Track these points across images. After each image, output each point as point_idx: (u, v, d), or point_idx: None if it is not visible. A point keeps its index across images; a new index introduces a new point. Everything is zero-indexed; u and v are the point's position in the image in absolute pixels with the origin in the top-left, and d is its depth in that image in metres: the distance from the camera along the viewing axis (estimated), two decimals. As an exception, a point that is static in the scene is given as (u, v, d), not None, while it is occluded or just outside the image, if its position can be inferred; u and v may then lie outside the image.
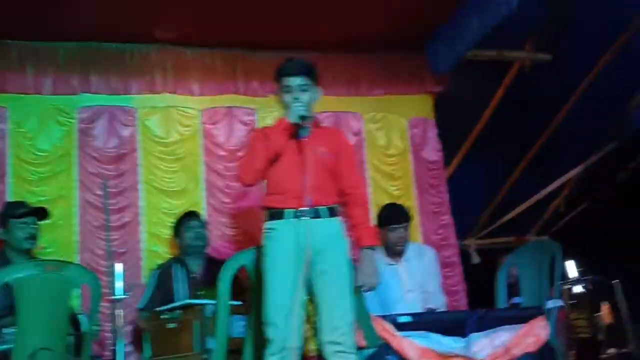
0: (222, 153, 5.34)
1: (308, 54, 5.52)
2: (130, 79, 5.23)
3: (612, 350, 6.58)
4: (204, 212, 5.15)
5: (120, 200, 5.04)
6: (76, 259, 4.80)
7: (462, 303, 5.63)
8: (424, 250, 4.85)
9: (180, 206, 5.09)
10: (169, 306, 3.99)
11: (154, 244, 5.05)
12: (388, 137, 5.85)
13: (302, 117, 3.21)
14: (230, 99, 5.47)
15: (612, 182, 7.33)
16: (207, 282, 4.27)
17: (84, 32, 5.06)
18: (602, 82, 6.45)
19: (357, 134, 5.74)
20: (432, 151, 5.93)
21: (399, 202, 5.23)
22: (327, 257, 3.16)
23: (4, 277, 3.19)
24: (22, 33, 4.97)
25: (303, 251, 3.10)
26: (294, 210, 3.17)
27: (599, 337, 6.73)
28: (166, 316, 3.94)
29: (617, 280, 6.43)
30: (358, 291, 3.36)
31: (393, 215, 4.65)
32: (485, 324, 3.64)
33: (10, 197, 4.75)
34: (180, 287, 4.52)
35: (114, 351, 3.82)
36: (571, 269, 6.78)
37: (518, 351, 3.61)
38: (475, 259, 6.94)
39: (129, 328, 4.60)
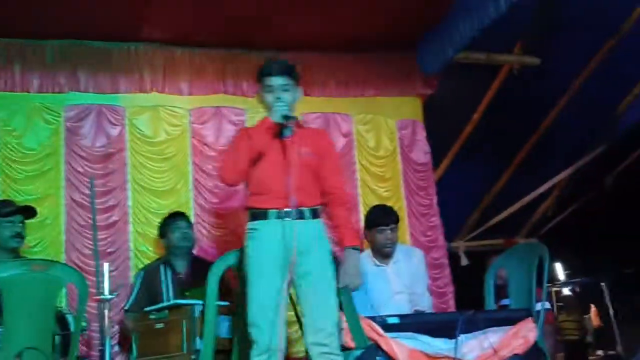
0: (211, 153, 5.32)
1: (298, 55, 5.57)
2: (118, 78, 5.20)
3: (600, 352, 6.63)
4: (192, 212, 5.14)
5: (108, 200, 5.01)
6: (63, 258, 4.77)
7: (451, 305, 5.63)
8: (412, 252, 4.85)
9: (169, 206, 5.06)
10: (157, 306, 3.97)
11: (142, 244, 5.03)
12: (377, 139, 5.85)
13: (286, 117, 3.21)
14: (219, 99, 5.45)
15: (601, 184, 7.37)
16: (193, 283, 4.25)
17: (72, 30, 5.04)
18: (590, 85, 6.50)
19: (346, 135, 5.74)
20: (421, 153, 5.93)
21: (388, 203, 5.24)
22: (310, 259, 3.16)
23: (-11, 276, 3.16)
24: (9, 30, 4.93)
25: (287, 252, 3.11)
26: (278, 210, 3.16)
27: (587, 339, 6.78)
28: (154, 316, 3.92)
29: (605, 283, 6.47)
30: (346, 291, 3.36)
31: (381, 217, 4.65)
32: (474, 326, 3.64)
33: (-4, 196, 4.71)
34: (166, 288, 4.49)
35: (101, 351, 3.79)
36: (559, 271, 6.82)
37: (506, 353, 3.61)
38: (464, 261, 6.96)
39: (115, 328, 4.57)
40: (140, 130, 5.22)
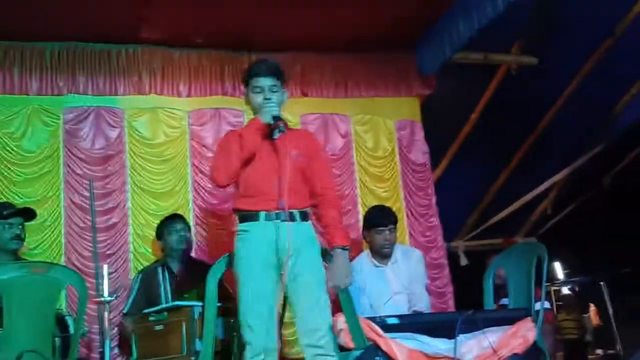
0: (210, 154, 5.31)
1: (296, 56, 5.60)
2: (117, 80, 5.20)
3: (599, 351, 6.63)
4: (191, 213, 5.14)
5: (107, 202, 5.01)
6: (63, 260, 4.77)
7: (450, 305, 5.64)
8: (411, 252, 4.85)
9: (168, 208, 5.07)
10: (157, 308, 3.97)
11: (142, 246, 5.03)
12: (376, 139, 5.85)
13: (275, 117, 3.20)
14: (218, 101, 5.45)
15: (599, 184, 7.38)
16: (191, 285, 4.25)
17: (70, 32, 5.04)
18: (588, 85, 6.51)
19: (345, 135, 5.74)
20: (420, 153, 5.93)
21: (386, 204, 5.24)
22: (301, 261, 3.16)
23: (-11, 279, 3.16)
24: (8, 32, 4.93)
25: (278, 254, 3.12)
26: (269, 212, 3.17)
27: (586, 338, 6.79)
28: (153, 318, 3.92)
29: (604, 282, 6.48)
30: (345, 292, 3.36)
31: (380, 218, 4.65)
32: (473, 326, 3.64)
33: (-5, 198, 4.71)
34: (164, 290, 4.49)
35: (101, 353, 3.79)
36: (558, 270, 6.83)
37: (506, 352, 3.61)
38: (464, 261, 6.96)
39: (115, 330, 4.57)
40: (139, 132, 5.22)
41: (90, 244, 4.68)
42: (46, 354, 3.16)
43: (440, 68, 5.75)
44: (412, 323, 3.62)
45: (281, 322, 3.61)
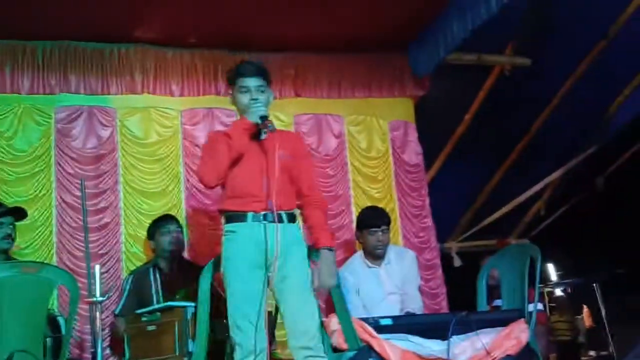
0: (203, 154, 5.30)
1: (289, 56, 5.59)
2: (109, 79, 5.17)
3: (592, 353, 6.64)
4: (183, 213, 5.12)
5: (99, 202, 4.99)
6: (54, 260, 4.75)
7: (443, 306, 5.63)
8: (405, 253, 4.86)
9: (160, 207, 5.05)
10: (149, 308, 3.96)
11: (133, 246, 5.00)
12: (369, 140, 5.84)
13: (263, 117, 3.19)
14: (211, 100, 5.43)
15: (592, 185, 7.40)
16: (183, 286, 4.24)
17: (63, 31, 5.01)
18: (581, 86, 6.52)
19: (338, 136, 5.73)
20: (413, 154, 5.93)
21: (380, 204, 5.25)
22: (289, 263, 3.16)
23: (-20, 279, 3.14)
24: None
25: (266, 255, 3.10)
26: (257, 213, 3.16)
27: (579, 340, 6.80)
28: (146, 318, 3.90)
29: (597, 283, 6.49)
30: (338, 293, 3.35)
31: (373, 219, 4.65)
32: (466, 327, 3.64)
33: (-14, 198, 4.69)
34: (156, 291, 4.48)
35: (93, 353, 3.77)
36: (551, 272, 6.83)
37: (499, 354, 3.61)
38: (457, 262, 6.96)
39: (107, 331, 4.54)
40: (132, 131, 5.20)
41: (82, 244, 4.65)
42: (37, 354, 3.15)
43: (434, 69, 5.75)
44: (405, 324, 3.62)
45: (275, 323, 3.60)
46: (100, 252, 4.88)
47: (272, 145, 3.20)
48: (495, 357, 3.60)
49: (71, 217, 4.89)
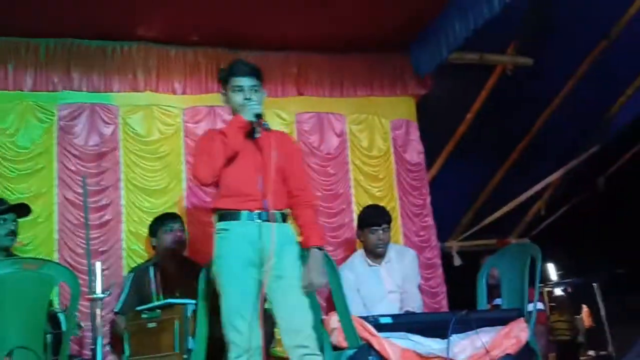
0: (205, 152, 5.30)
1: (292, 55, 5.60)
2: (112, 77, 5.18)
3: (591, 353, 6.65)
4: (185, 211, 5.13)
5: (100, 199, 4.99)
6: (55, 256, 4.75)
7: (443, 305, 5.64)
8: (405, 251, 4.87)
9: (162, 205, 5.06)
10: (149, 305, 3.96)
11: (135, 243, 5.01)
12: (371, 139, 5.84)
13: (258, 115, 3.21)
14: (213, 98, 5.41)
15: (593, 185, 7.40)
16: (183, 284, 4.25)
17: (66, 28, 5.02)
18: (583, 86, 6.52)
19: (340, 135, 5.73)
20: (414, 153, 5.93)
21: (381, 203, 5.26)
22: (282, 262, 3.17)
23: (-19, 275, 3.15)
24: (2, 28, 4.90)
25: (260, 254, 3.12)
26: (251, 212, 3.17)
27: (578, 340, 6.80)
28: (146, 316, 3.91)
29: (597, 283, 6.49)
30: (339, 291, 3.36)
31: (374, 217, 4.66)
32: (466, 326, 3.65)
33: (-11, 195, 4.69)
34: (156, 289, 4.48)
35: (93, 350, 3.77)
36: (551, 271, 6.83)
37: (498, 353, 3.63)
38: (457, 261, 6.96)
39: (107, 328, 4.55)
40: (134, 129, 5.20)
41: (83, 241, 4.66)
42: (38, 350, 3.16)
43: (436, 68, 5.75)
44: (405, 323, 3.63)
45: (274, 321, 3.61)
46: (101, 249, 4.89)
47: (267, 145, 3.23)
48: (495, 356, 3.61)
49: (73, 214, 4.89)
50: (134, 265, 4.80)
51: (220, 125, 5.32)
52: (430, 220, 5.87)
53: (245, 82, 3.29)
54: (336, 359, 3.47)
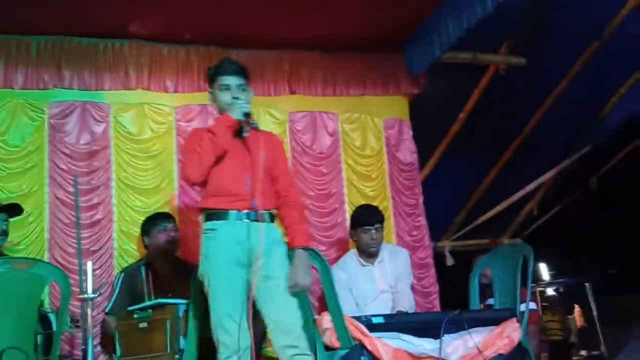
0: (197, 151, 5.27)
1: (284, 53, 5.58)
2: (103, 75, 5.15)
3: (583, 352, 6.66)
4: (176, 210, 5.10)
5: (92, 198, 4.96)
6: (46, 256, 4.72)
7: (436, 304, 5.63)
8: (398, 251, 4.86)
9: (153, 204, 5.04)
10: (141, 305, 3.94)
11: (126, 243, 4.98)
12: (363, 138, 5.83)
13: (246, 114, 3.21)
14: (205, 97, 5.25)
15: (586, 185, 7.42)
16: (176, 284, 4.23)
17: (57, 25, 4.98)
18: (576, 86, 6.53)
19: (332, 134, 5.72)
20: (407, 152, 5.92)
21: (374, 203, 5.25)
22: (270, 262, 3.16)
23: (-29, 275, 3.12)
24: (-7, 26, 4.88)
25: (248, 254, 3.11)
26: (240, 212, 3.16)
27: (571, 340, 6.81)
28: (138, 316, 3.89)
29: (589, 283, 6.50)
30: (331, 291, 3.35)
31: (366, 217, 4.66)
32: (459, 326, 3.65)
33: (-21, 194, 4.66)
34: (148, 290, 4.46)
35: (84, 350, 3.75)
36: (544, 271, 6.84)
37: (491, 353, 3.63)
38: (450, 261, 6.96)
39: (98, 328, 4.53)
40: (125, 127, 5.18)
41: (74, 240, 4.63)
42: (28, 350, 3.13)
43: (429, 67, 5.74)
44: (397, 322, 3.63)
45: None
46: (93, 248, 4.85)
47: (255, 144, 3.23)
48: (487, 356, 3.61)
49: (64, 213, 4.86)
50: (125, 265, 4.78)
51: (212, 123, 5.29)
52: (422, 220, 5.86)
53: (233, 80, 3.30)
54: (328, 359, 3.46)
